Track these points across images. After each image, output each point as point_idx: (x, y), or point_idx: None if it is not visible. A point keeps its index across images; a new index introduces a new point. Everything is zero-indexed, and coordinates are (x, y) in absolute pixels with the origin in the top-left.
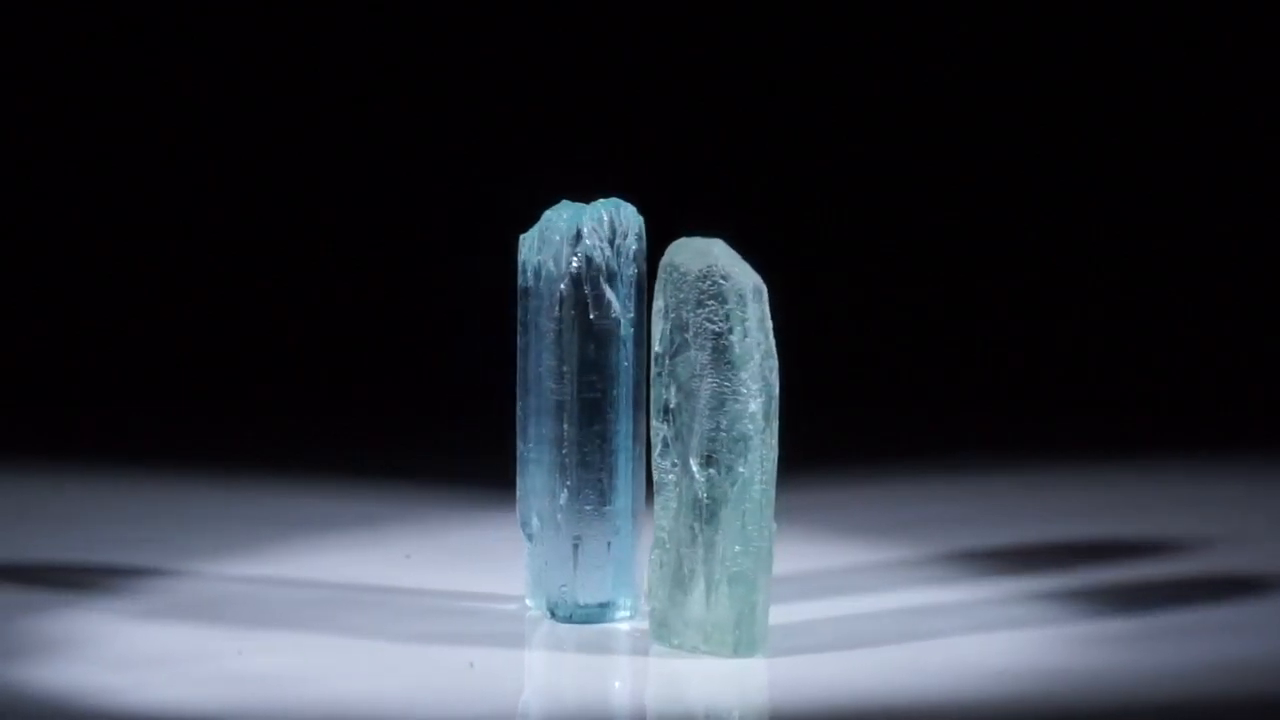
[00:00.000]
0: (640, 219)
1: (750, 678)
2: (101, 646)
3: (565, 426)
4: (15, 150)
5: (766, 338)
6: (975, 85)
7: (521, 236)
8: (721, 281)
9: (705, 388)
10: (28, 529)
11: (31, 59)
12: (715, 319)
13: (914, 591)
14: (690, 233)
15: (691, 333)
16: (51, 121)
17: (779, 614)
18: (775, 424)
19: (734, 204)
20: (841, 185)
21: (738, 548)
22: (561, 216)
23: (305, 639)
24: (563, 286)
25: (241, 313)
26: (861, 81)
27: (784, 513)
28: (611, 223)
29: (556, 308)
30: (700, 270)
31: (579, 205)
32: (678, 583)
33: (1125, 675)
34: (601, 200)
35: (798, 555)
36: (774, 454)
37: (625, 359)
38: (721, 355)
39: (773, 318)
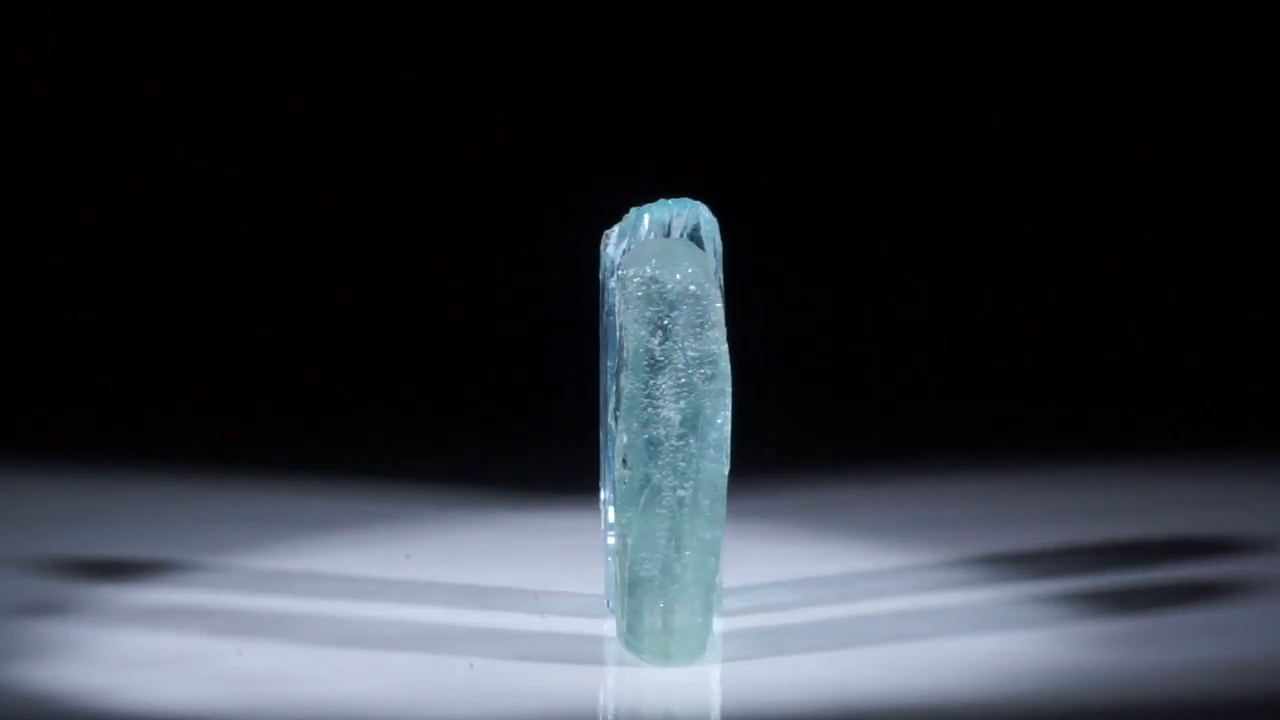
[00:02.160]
0: (713, 220)
1: (703, 685)
2: (101, 646)
3: (611, 422)
4: (15, 150)
5: (701, 344)
6: (972, 82)
7: (605, 232)
8: (650, 284)
9: (627, 389)
10: (27, 529)
11: (34, 59)
12: (639, 320)
13: (911, 591)
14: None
15: (621, 332)
16: (62, 121)
17: (774, 618)
18: (716, 434)
19: (760, 204)
20: (852, 183)
21: (644, 554)
22: (634, 215)
23: (305, 639)
24: (613, 282)
25: (242, 313)
26: (863, 79)
27: (781, 513)
28: (674, 220)
29: (607, 303)
30: (634, 271)
31: (661, 203)
32: (612, 584)
33: (1125, 675)
34: (673, 200)
35: (800, 557)
36: (713, 465)
37: None
38: (640, 358)
39: (744, 324)
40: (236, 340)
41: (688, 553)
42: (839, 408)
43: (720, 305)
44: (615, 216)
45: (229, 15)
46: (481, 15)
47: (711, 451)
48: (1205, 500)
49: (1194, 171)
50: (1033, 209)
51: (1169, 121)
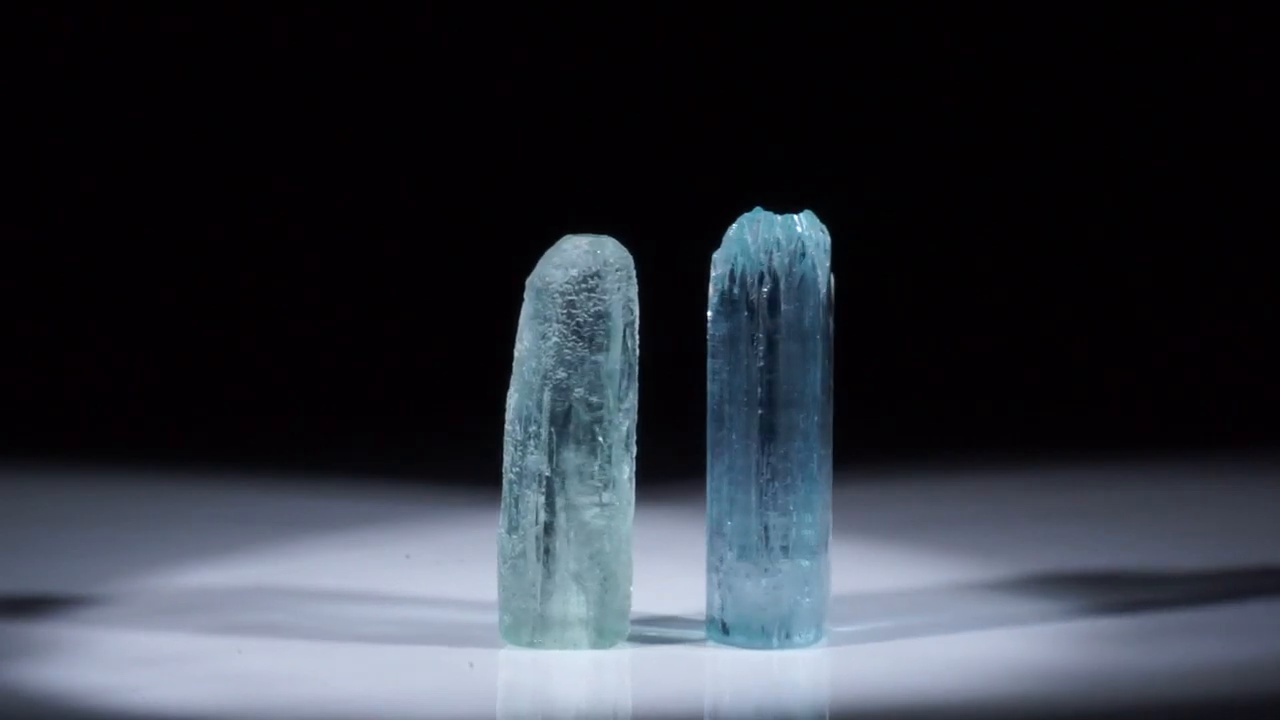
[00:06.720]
0: (816, 234)
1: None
2: (100, 647)
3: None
4: (15, 150)
5: (531, 341)
6: (972, 81)
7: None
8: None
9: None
10: (27, 529)
11: (34, 59)
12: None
13: (910, 590)
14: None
15: None
16: (63, 121)
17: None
18: (536, 428)
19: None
20: (851, 183)
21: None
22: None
23: (304, 639)
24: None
25: (242, 313)
26: (859, 76)
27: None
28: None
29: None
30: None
31: (773, 215)
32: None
33: (1125, 675)
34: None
35: None
36: (532, 457)
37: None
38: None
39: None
40: (237, 340)
41: (514, 537)
42: (839, 408)
43: (589, 312)
44: (614, 217)
45: (229, 15)
46: (481, 16)
47: (532, 444)
48: (1206, 500)
49: (1194, 171)
50: (1033, 209)
51: (1169, 121)
